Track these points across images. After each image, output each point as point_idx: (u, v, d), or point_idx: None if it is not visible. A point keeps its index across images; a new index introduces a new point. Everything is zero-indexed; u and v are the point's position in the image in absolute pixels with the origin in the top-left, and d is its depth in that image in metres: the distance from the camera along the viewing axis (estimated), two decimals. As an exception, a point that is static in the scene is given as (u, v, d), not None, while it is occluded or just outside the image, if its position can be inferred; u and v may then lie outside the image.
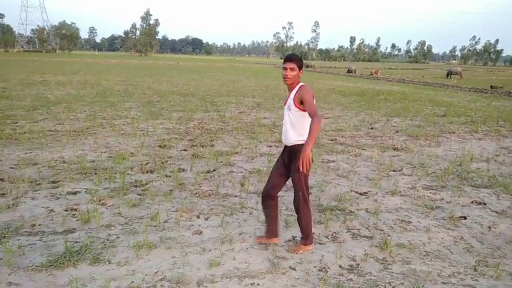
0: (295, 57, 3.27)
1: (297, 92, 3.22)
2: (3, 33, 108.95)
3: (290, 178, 3.42)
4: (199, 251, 3.48)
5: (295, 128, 3.26)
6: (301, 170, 3.01)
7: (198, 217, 4.20)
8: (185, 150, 7.01)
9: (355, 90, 20.60)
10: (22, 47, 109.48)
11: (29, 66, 32.17)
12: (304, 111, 3.18)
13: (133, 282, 2.97)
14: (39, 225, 3.88)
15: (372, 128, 9.86)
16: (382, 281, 3.12)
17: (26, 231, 3.72)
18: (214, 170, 5.86)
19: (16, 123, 8.79)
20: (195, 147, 7.17)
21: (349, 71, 41.55)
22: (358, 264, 3.36)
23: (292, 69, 3.21)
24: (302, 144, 3.12)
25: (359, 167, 6.34)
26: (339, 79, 31.24)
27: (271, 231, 3.62)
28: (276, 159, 3.72)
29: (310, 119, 3.05)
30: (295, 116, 3.25)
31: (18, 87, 16.07)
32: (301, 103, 3.18)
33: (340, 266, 3.32)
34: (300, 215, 3.43)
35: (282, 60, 3.36)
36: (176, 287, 2.93)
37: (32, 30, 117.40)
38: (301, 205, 3.37)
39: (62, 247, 3.38)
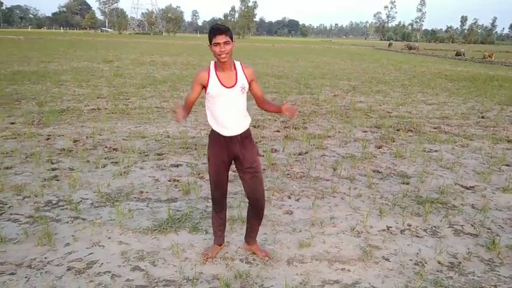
0: (225, 28, 2.60)
1: (244, 70, 2.75)
2: (117, 16, 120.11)
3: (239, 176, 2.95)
4: (290, 230, 3.53)
5: (245, 111, 2.80)
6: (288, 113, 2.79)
7: (289, 197, 4.25)
8: (278, 131, 7.09)
9: (464, 74, 18.78)
10: (133, 29, 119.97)
11: (139, 47, 35.11)
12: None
13: (227, 253, 3.13)
14: (147, 192, 4.27)
15: (483, 117, 8.93)
16: (487, 282, 2.85)
17: (135, 197, 4.13)
18: (306, 153, 5.85)
19: (128, 99, 9.70)
20: (288, 129, 7.21)
21: (458, 54, 37.92)
22: (460, 263, 3.11)
23: (226, 42, 2.57)
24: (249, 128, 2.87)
25: (466, 159, 5.81)
26: (446, 62, 28.72)
27: (221, 238, 3.17)
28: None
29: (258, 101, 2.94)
30: (245, 98, 2.79)
31: (130, 66, 17.67)
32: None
33: (439, 262, 3.11)
34: (262, 212, 3.01)
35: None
36: (267, 262, 3.02)
37: (142, 13, 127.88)
38: (264, 199, 2.98)
39: (165, 214, 3.69)
